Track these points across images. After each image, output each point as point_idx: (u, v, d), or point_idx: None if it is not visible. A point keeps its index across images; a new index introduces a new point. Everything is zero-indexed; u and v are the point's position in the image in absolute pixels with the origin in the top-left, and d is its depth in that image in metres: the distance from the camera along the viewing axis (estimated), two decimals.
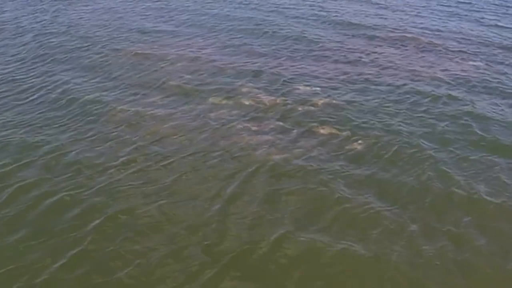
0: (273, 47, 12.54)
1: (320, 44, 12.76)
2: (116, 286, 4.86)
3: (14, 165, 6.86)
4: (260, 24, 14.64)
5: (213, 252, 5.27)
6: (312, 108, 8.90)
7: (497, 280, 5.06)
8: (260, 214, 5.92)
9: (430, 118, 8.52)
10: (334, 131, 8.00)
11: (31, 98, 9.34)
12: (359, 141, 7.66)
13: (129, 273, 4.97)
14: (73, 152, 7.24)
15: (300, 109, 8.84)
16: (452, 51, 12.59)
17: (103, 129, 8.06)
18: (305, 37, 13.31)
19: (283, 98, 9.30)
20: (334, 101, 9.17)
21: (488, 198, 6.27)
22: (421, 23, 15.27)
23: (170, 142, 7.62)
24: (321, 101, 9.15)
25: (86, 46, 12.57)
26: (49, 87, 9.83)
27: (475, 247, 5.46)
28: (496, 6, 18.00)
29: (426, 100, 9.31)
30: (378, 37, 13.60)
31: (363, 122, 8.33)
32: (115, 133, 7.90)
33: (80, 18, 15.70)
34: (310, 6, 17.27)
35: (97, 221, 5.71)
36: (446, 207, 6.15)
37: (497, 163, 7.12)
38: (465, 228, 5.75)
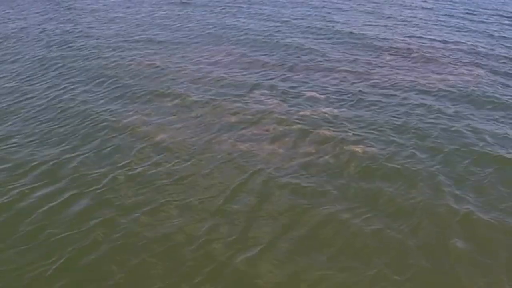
0: (280, 57, 12.81)
1: (326, 55, 12.98)
2: (119, 279, 5.20)
3: (20, 170, 7.28)
4: (269, 35, 14.94)
5: (207, 253, 5.57)
6: (315, 115, 9.17)
7: None
8: (255, 216, 6.21)
9: (427, 129, 8.69)
10: (333, 136, 8.30)
11: (38, 106, 9.77)
12: (358, 149, 7.88)
13: (128, 271, 5.33)
14: (80, 157, 7.62)
15: (303, 116, 9.11)
16: (456, 62, 12.72)
17: (109, 134, 8.42)
18: (311, 48, 13.55)
19: (288, 105, 9.61)
20: (335, 110, 9.41)
21: (479, 212, 6.36)
22: (426, 35, 15.42)
23: (174, 147, 7.93)
24: (324, 109, 9.42)
25: (97, 55, 13.02)
26: (56, 96, 10.26)
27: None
28: (501, 17, 18.11)
29: (427, 111, 9.46)
30: (382, 48, 13.76)
31: (363, 131, 8.54)
32: (122, 138, 8.26)
33: (91, 27, 16.14)
34: (317, 17, 17.53)
35: (100, 219, 6.10)
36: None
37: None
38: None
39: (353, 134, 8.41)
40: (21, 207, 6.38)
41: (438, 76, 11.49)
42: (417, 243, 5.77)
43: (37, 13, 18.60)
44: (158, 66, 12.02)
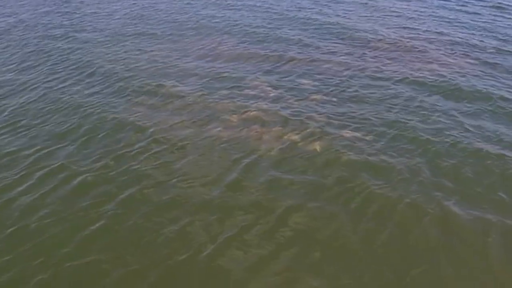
0: (272, 49, 13.06)
1: (318, 47, 13.23)
2: (130, 257, 5.56)
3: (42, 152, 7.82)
4: (262, 27, 15.18)
5: (214, 230, 5.91)
6: (312, 101, 9.60)
7: None
8: (258, 197, 6.57)
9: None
10: (330, 116, 8.87)
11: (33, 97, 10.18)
12: (352, 131, 8.32)
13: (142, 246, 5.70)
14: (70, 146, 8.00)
15: (301, 101, 9.55)
16: (445, 53, 12.89)
17: (119, 120, 8.87)
18: (303, 40, 13.78)
19: (287, 92, 10.03)
20: (332, 97, 9.84)
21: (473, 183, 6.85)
22: (417, 27, 15.59)
23: (181, 133, 8.37)
24: (320, 96, 9.85)
25: (90, 49, 13.32)
26: (49, 87, 10.69)
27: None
28: (491, 8, 18.23)
29: (411, 102, 9.69)
30: (373, 40, 13.92)
31: (357, 115, 9.00)
32: (133, 122, 8.76)
33: (91, 20, 16.40)
34: (310, 9, 17.72)
35: (118, 198, 6.51)
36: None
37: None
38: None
39: (338, 122, 8.71)
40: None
41: (426, 67, 11.71)
42: (391, 232, 6.02)
43: (36, 6, 18.87)
44: (151, 59, 12.32)
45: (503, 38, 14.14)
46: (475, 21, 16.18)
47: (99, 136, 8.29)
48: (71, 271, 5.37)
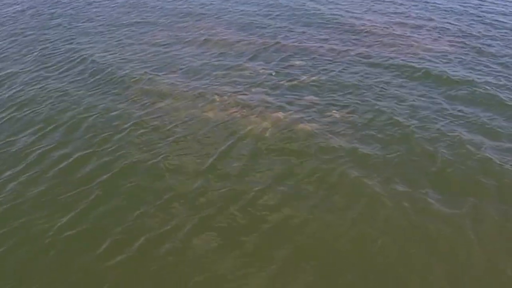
0: (270, 36, 13.50)
1: (311, 35, 13.54)
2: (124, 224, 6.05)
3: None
4: (260, 16, 15.55)
5: (199, 204, 6.36)
6: (301, 82, 10.07)
7: None
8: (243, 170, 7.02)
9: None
10: (315, 100, 9.23)
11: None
12: (337, 110, 8.76)
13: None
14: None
15: (290, 85, 9.98)
16: (432, 39, 13.16)
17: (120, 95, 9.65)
18: (293, 28, 14.10)
19: (276, 78, 10.46)
20: (320, 77, 10.28)
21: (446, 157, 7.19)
22: (406, 14, 15.81)
23: (174, 112, 8.91)
24: (308, 76, 10.31)
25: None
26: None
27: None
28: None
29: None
30: (362, 26, 14.19)
31: (343, 94, 9.46)
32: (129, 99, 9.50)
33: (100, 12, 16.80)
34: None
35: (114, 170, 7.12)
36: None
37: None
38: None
39: (331, 94, 9.37)
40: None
41: (410, 52, 12.00)
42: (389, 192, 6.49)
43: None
44: (157, 43, 12.95)
45: (490, 23, 14.35)
46: (464, 7, 16.43)
47: (90, 120, 8.76)
48: (64, 242, 5.81)
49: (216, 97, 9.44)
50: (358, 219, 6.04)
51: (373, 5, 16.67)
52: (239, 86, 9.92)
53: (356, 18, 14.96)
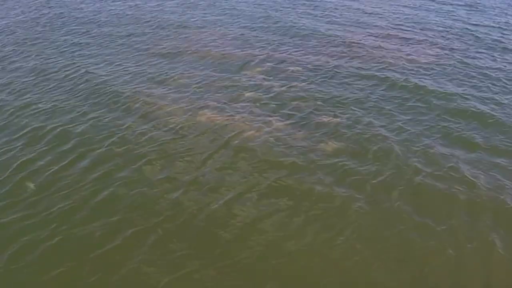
0: (269, 39, 14.40)
1: (308, 36, 14.64)
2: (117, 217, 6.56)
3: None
4: (260, 19, 16.60)
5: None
6: (292, 90, 10.64)
7: None
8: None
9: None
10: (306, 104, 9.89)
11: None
12: (329, 116, 9.33)
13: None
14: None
15: (281, 90, 10.59)
16: (423, 42, 14.05)
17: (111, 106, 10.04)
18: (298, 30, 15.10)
19: (271, 81, 11.14)
20: (311, 85, 10.85)
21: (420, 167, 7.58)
22: (402, 18, 16.84)
23: (165, 118, 9.40)
24: (300, 84, 10.90)
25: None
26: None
27: None
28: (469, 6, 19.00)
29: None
30: (357, 28, 15.25)
31: (335, 99, 10.09)
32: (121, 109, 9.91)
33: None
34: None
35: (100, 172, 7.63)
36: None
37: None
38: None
39: (323, 105, 9.82)
40: None
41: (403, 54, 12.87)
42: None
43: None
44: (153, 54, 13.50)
45: (476, 36, 14.89)
46: (453, 14, 17.21)
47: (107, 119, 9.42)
48: (84, 233, 6.32)
49: (206, 107, 9.88)
50: (326, 225, 6.39)
51: (361, 19, 17.24)
52: (228, 97, 10.34)
53: (345, 31, 15.52)
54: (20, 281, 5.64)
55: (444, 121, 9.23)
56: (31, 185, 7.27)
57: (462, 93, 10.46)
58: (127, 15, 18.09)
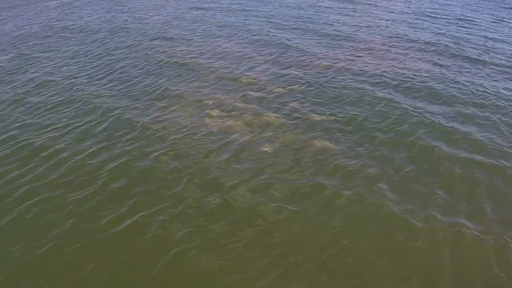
0: (268, 52, 14.97)
1: (303, 50, 14.99)
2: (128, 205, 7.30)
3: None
4: (260, 33, 17.17)
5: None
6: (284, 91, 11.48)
7: None
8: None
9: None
10: (297, 107, 10.61)
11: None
12: (318, 117, 10.03)
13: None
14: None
15: (276, 96, 11.31)
16: (414, 57, 14.45)
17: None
18: (293, 44, 15.63)
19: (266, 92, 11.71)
20: (302, 104, 11.15)
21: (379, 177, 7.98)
22: (393, 32, 17.30)
23: (172, 123, 10.09)
24: (292, 105, 11.22)
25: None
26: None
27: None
28: (460, 20, 19.76)
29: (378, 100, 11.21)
30: (350, 43, 15.69)
31: (322, 103, 10.84)
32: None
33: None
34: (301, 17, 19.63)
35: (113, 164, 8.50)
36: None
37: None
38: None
39: (312, 102, 10.71)
40: None
41: (396, 68, 13.34)
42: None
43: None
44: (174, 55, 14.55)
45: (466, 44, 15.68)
46: (444, 29, 17.85)
47: (104, 126, 10.17)
48: (100, 215, 7.09)
49: (215, 105, 10.80)
50: (318, 213, 7.02)
51: (364, 23, 18.16)
52: (229, 103, 10.95)
53: (348, 36, 16.38)
54: (43, 256, 6.38)
55: (428, 120, 9.98)
56: None
57: (447, 94, 11.37)
58: (129, 27, 19.35)
